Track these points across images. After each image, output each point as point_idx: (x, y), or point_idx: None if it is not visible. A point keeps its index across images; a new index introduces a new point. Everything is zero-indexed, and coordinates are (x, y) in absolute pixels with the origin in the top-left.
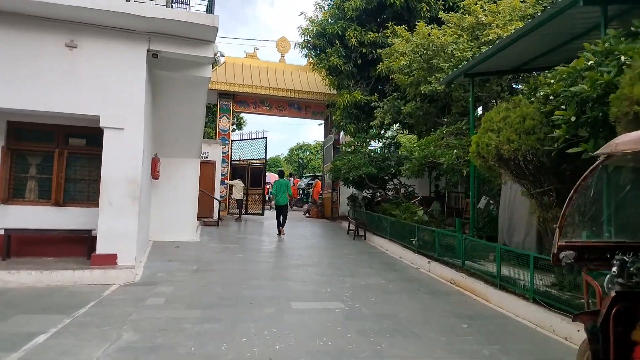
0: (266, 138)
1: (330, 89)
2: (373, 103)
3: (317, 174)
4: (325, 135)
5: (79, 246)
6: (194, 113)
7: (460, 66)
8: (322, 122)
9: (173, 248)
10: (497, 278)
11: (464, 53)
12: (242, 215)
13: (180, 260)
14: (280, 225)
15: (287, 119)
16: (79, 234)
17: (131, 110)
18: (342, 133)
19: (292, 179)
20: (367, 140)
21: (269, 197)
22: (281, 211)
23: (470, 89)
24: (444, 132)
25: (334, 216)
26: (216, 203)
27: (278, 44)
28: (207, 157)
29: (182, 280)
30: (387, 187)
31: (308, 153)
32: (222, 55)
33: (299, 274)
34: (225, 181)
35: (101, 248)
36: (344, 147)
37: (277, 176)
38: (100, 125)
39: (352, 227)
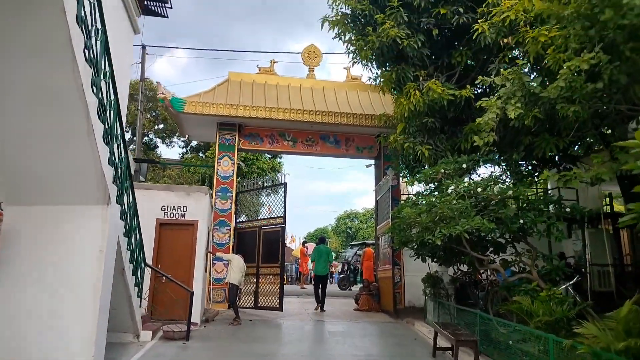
0: (285, 184)
1: (382, 96)
2: (482, 86)
3: (368, 242)
4: (377, 181)
5: None
6: (59, 77)
7: None
8: (372, 162)
9: None
10: None
11: None
12: (246, 311)
13: None
14: (319, 300)
15: (331, 180)
16: None
17: None
18: (402, 179)
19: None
20: (467, 167)
21: (297, 275)
22: (320, 282)
23: None
24: None
25: (399, 308)
26: (197, 295)
27: (305, 55)
28: (182, 215)
29: None
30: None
31: (357, 222)
32: None
33: None
34: (218, 255)
35: None
36: (412, 184)
37: (311, 247)
38: None
39: (440, 341)
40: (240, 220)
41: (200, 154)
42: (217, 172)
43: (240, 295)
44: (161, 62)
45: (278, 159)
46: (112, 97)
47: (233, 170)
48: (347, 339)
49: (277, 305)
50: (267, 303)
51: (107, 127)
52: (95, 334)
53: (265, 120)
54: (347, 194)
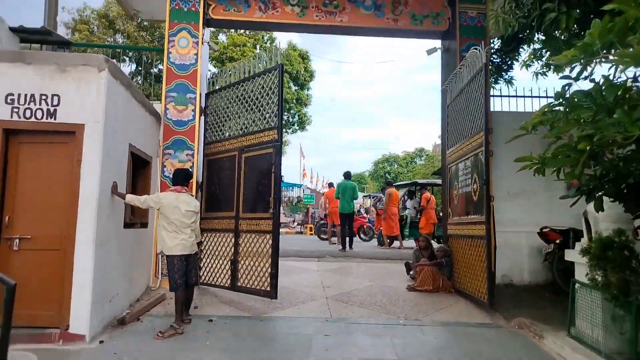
0: (281, 67)
1: None
2: None
3: (420, 180)
4: (446, 73)
5: None
6: None
7: None
8: (438, 43)
9: None
10: None
11: None
12: (218, 294)
13: None
14: (344, 241)
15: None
16: None
17: None
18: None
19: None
20: None
21: (318, 220)
22: (346, 220)
23: None
24: None
25: (490, 287)
26: (84, 274)
27: None
28: (51, 114)
29: None
30: None
31: (396, 166)
32: None
33: None
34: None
35: None
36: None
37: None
38: None
39: None
40: (209, 140)
41: None
42: (168, 59)
43: (193, 270)
44: None
45: (306, 91)
46: None
47: (197, 54)
48: None
49: (267, 287)
50: (251, 282)
51: None
52: None
53: None
54: (385, 142)
